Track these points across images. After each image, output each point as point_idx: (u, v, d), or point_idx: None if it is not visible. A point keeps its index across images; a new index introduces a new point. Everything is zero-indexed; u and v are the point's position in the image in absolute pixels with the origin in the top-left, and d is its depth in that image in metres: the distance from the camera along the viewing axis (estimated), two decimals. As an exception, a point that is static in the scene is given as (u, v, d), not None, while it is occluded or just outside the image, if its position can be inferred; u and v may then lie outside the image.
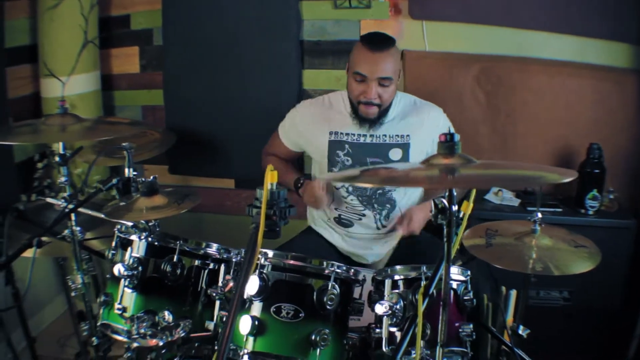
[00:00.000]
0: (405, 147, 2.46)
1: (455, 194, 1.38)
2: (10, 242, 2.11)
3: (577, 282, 2.74)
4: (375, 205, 2.49)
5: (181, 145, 2.97)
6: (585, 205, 2.79)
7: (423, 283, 1.70)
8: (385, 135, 2.46)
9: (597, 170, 2.78)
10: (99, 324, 1.89)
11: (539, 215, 1.95)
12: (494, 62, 3.03)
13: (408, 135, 2.47)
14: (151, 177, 1.87)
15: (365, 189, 2.47)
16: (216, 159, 3.42)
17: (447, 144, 1.36)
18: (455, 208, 1.39)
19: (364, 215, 2.51)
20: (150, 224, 1.81)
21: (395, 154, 2.46)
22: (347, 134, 2.47)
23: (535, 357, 2.13)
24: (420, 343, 1.39)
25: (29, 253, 2.33)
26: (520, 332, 2.08)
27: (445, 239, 1.40)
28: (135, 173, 2.31)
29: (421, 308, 1.40)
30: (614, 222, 2.75)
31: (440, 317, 1.46)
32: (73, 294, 2.11)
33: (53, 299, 3.32)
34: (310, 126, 2.53)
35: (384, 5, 3.08)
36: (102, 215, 1.86)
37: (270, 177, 1.60)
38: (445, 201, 1.38)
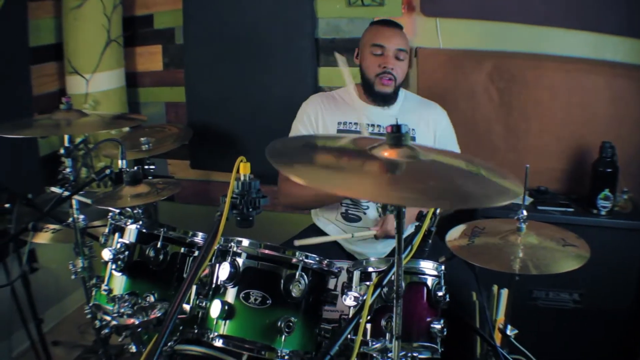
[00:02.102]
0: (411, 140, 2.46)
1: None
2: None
3: (588, 284, 2.70)
4: None
5: (202, 141, 3.06)
6: (597, 205, 2.72)
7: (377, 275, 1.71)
8: None
9: (609, 170, 2.71)
10: (90, 304, 2.00)
11: (524, 212, 1.92)
12: (507, 58, 2.99)
13: (413, 129, 2.50)
14: (135, 168, 1.96)
15: None
16: (234, 154, 3.40)
17: (393, 135, 1.35)
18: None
19: (367, 208, 2.53)
20: (135, 211, 1.89)
21: None
22: (355, 124, 2.51)
23: (544, 358, 2.11)
24: (360, 333, 1.40)
25: (43, 239, 2.49)
26: (508, 332, 2.05)
27: (395, 230, 1.41)
28: (153, 167, 2.44)
29: (369, 300, 1.42)
30: (626, 223, 2.68)
31: (394, 310, 1.46)
32: (73, 277, 2.21)
33: (76, 288, 3.43)
34: (320, 115, 2.57)
35: (397, 3, 3.09)
36: (89, 201, 1.96)
37: (242, 169, 1.66)
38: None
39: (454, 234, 2.00)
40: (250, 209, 1.67)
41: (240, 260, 1.75)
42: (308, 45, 3.26)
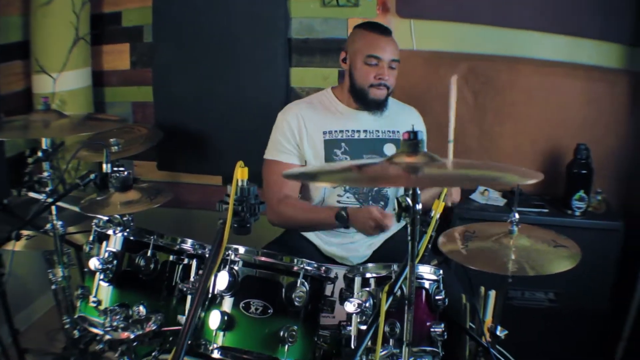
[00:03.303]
0: (397, 143, 2.47)
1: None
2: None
3: (563, 284, 2.74)
4: (371, 202, 2.47)
5: (170, 142, 2.99)
6: (571, 206, 2.78)
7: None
8: (378, 131, 2.47)
9: (584, 171, 2.77)
10: (76, 316, 1.91)
11: (517, 215, 1.94)
12: (482, 61, 3.03)
13: (398, 132, 2.49)
14: (125, 173, 1.88)
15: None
16: (204, 155, 3.44)
17: (410, 142, 1.35)
18: (419, 207, 1.39)
19: None
20: (124, 218, 1.81)
21: (390, 149, 2.47)
22: (342, 132, 2.45)
23: (519, 358, 2.13)
24: (380, 342, 1.38)
25: (18, 247, 2.38)
26: (498, 332, 2.07)
27: (409, 238, 1.40)
28: (121, 169, 2.33)
29: (384, 307, 1.40)
30: (601, 224, 2.74)
31: (405, 316, 1.46)
32: (53, 287, 2.12)
33: (43, 293, 3.34)
34: (302, 125, 2.43)
35: (372, 4, 3.09)
36: (77, 209, 1.87)
37: (240, 174, 1.61)
38: (409, 200, 1.38)
39: (445, 239, 2.00)
40: (249, 216, 1.61)
41: (238, 269, 1.70)
42: (281, 45, 3.22)
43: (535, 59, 2.99)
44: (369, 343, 1.72)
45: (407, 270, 1.45)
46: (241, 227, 1.61)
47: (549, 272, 1.80)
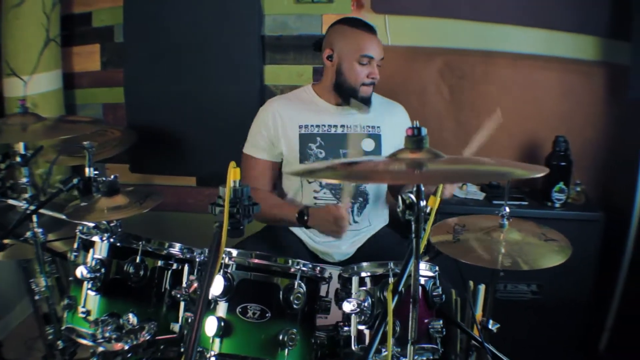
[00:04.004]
0: (377, 139, 2.46)
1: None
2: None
3: (546, 276, 2.75)
4: (351, 200, 2.46)
5: (142, 144, 2.93)
6: (551, 198, 2.80)
7: (391, 280, 1.68)
8: (356, 126, 2.45)
9: (563, 163, 2.80)
10: (63, 328, 1.83)
11: (507, 209, 1.94)
12: (458, 55, 3.04)
13: (379, 127, 2.48)
14: (112, 177, 1.81)
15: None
16: (177, 156, 3.38)
17: (414, 138, 1.33)
18: (423, 203, 1.37)
19: None
20: (112, 224, 1.75)
21: (368, 144, 2.45)
22: (318, 126, 2.44)
23: (504, 351, 2.13)
24: (391, 341, 1.36)
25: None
26: (490, 326, 2.07)
27: (413, 235, 1.38)
28: (96, 172, 2.26)
29: (391, 305, 1.37)
30: (581, 215, 2.76)
31: (410, 315, 1.43)
32: (37, 297, 2.04)
33: (19, 302, 3.27)
34: (279, 121, 2.44)
35: (346, 0, 3.07)
36: (63, 216, 1.79)
37: (233, 174, 1.56)
38: (413, 197, 1.36)
39: (435, 232, 1.99)
40: (242, 218, 1.57)
41: (232, 273, 1.66)
42: (254, 42, 3.17)
43: (510, 52, 3.00)
44: (367, 343, 1.73)
45: (410, 267, 1.43)
46: (235, 230, 1.55)
47: (542, 266, 1.82)
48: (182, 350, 1.76)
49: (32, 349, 2.91)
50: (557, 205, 2.80)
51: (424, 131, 1.33)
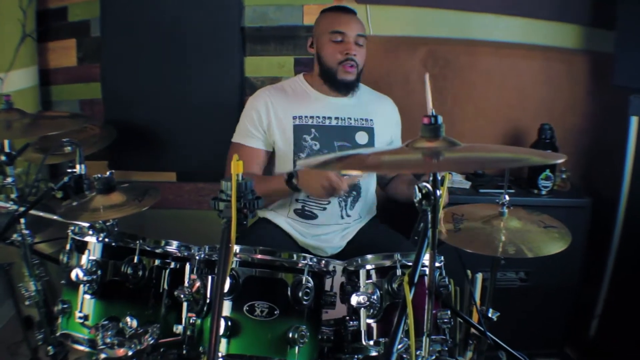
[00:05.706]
0: (370, 131, 2.45)
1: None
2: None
3: (534, 263, 2.75)
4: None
5: (121, 139, 2.86)
6: (538, 186, 2.80)
7: (403, 272, 1.67)
8: (350, 118, 2.43)
9: (549, 151, 2.80)
10: (58, 334, 1.76)
11: (507, 197, 1.94)
12: (441, 45, 3.03)
13: (372, 120, 2.46)
14: (107, 173, 1.74)
15: None
16: (157, 152, 3.29)
17: (431, 127, 1.30)
18: (439, 193, 1.34)
19: (328, 203, 2.43)
20: (107, 223, 1.68)
21: (362, 137, 2.44)
22: (312, 117, 2.41)
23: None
24: (412, 334, 1.33)
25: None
26: (490, 315, 2.07)
27: (430, 226, 1.35)
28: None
29: (409, 297, 1.34)
30: (568, 202, 2.78)
31: (426, 306, 1.41)
32: (27, 302, 1.95)
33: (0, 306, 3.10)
34: (272, 110, 2.40)
35: (328, -11, 3.04)
36: (56, 217, 1.71)
37: (237, 168, 1.51)
38: (429, 186, 1.33)
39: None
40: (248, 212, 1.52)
41: (237, 269, 1.60)
42: (234, 34, 3.11)
43: (492, 41, 3.01)
44: (376, 337, 1.70)
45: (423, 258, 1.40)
46: (238, 225, 1.51)
47: (547, 253, 1.83)
48: (184, 352, 1.71)
49: (16, 354, 2.81)
50: (544, 192, 2.81)
51: (440, 119, 1.30)
